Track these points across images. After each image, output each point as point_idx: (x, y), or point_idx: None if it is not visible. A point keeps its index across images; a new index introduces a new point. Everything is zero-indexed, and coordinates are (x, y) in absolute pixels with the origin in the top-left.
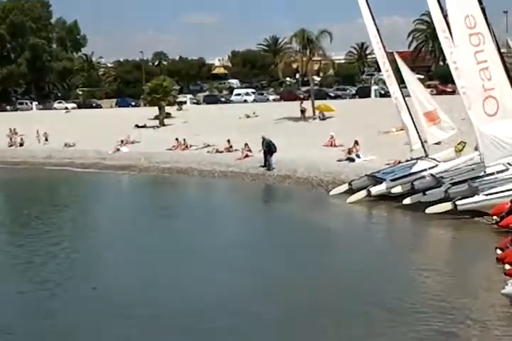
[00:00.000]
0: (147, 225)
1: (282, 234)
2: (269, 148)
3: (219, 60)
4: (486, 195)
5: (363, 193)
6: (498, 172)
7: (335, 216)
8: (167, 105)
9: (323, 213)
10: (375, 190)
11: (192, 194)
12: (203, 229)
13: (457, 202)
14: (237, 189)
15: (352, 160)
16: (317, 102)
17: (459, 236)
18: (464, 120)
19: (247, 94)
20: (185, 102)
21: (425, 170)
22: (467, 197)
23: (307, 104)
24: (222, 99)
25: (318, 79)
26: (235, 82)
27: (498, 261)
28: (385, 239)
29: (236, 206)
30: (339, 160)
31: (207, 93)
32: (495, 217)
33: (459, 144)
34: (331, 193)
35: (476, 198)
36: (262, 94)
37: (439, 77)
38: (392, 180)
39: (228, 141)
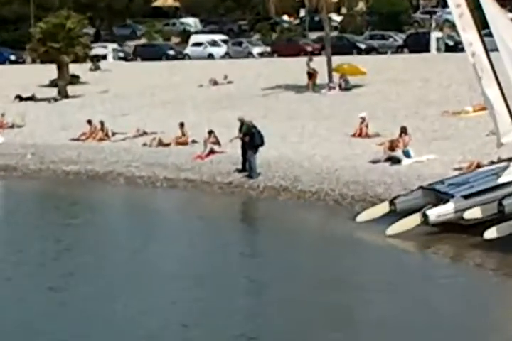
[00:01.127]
0: None
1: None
2: (250, 139)
3: None
4: None
5: (414, 219)
6: None
7: (364, 272)
8: (73, 62)
9: (342, 266)
10: (435, 213)
11: (106, 231)
12: None
13: None
14: (192, 215)
15: (396, 161)
16: (336, 59)
17: None
18: None
19: (214, 43)
20: (104, 57)
21: None
22: None
23: (319, 63)
24: (171, 53)
25: (339, 19)
26: (192, 22)
27: None
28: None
29: (189, 262)
30: (374, 162)
31: (143, 41)
32: None
33: None
34: (359, 219)
35: None
36: (241, 44)
37: None
38: (466, 197)
39: (181, 125)
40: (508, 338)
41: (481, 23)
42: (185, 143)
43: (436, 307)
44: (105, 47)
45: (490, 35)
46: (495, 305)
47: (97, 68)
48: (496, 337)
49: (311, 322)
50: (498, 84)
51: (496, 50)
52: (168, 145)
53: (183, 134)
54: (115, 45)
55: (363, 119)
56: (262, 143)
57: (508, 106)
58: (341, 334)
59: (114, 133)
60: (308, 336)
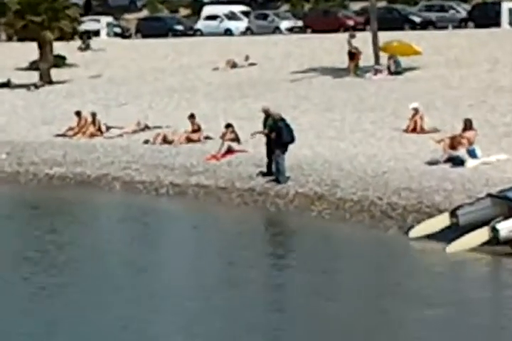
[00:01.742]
0: None
1: None
2: (278, 135)
3: None
4: None
5: (481, 235)
6: None
7: (415, 300)
8: (58, 39)
9: (385, 296)
10: (508, 227)
11: (96, 253)
12: None
13: None
14: (204, 233)
15: (459, 162)
16: (384, 36)
17: None
18: None
19: (233, 16)
20: (96, 33)
21: None
22: None
23: (363, 41)
24: (179, 28)
25: None
26: None
27: None
28: None
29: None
30: (431, 163)
31: (144, 14)
32: None
33: None
34: (413, 234)
35: None
36: (266, 17)
37: None
38: None
39: (191, 117)
40: None
41: None
42: (196, 140)
43: None
44: (98, 21)
45: None
46: None
47: (87, 47)
48: None
49: None
50: None
51: None
52: (171, 142)
53: (195, 129)
54: (110, 19)
55: (416, 111)
56: (291, 140)
57: None
58: None
59: (108, 128)
60: None
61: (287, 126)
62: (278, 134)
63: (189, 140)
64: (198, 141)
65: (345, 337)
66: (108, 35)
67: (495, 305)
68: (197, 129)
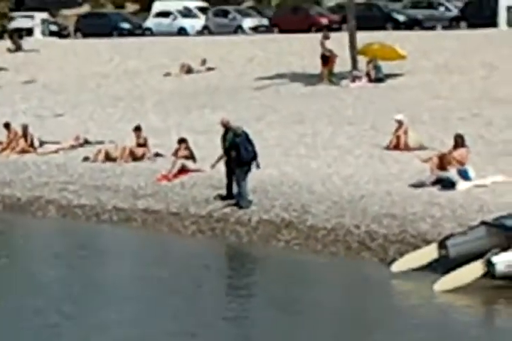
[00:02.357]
0: None
1: None
2: (238, 152)
3: None
4: None
5: (475, 270)
6: None
7: None
8: None
9: None
10: (505, 261)
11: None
12: None
13: None
14: (148, 272)
15: (449, 184)
16: (363, 37)
17: None
18: None
19: (188, 13)
20: (29, 32)
21: None
22: None
23: (339, 43)
24: (125, 26)
25: None
26: None
27: None
28: None
29: None
30: (417, 185)
31: (85, 9)
32: None
33: None
34: (395, 268)
35: None
36: (226, 14)
37: None
38: None
39: (136, 129)
40: None
41: None
42: (140, 157)
43: None
44: (31, 17)
45: None
46: None
47: (18, 48)
48: None
49: None
50: None
51: None
52: (115, 160)
53: (140, 143)
54: (45, 15)
55: (400, 124)
56: (253, 159)
57: None
58: None
59: (42, 143)
60: None
61: (249, 141)
62: (237, 151)
63: (133, 156)
64: (142, 158)
65: None
66: (43, 33)
67: None
68: (143, 144)
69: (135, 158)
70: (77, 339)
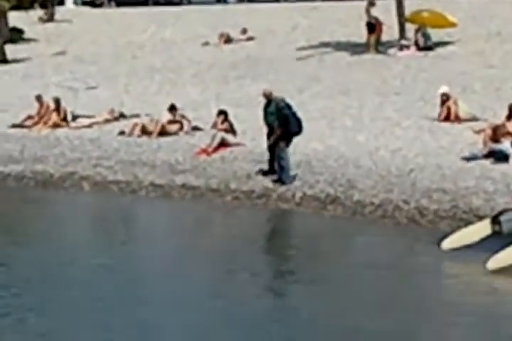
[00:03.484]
0: None
1: None
2: (283, 125)
3: None
4: None
5: None
6: None
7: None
8: (14, 8)
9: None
10: None
11: (59, 276)
12: None
13: None
14: (190, 247)
15: (503, 157)
16: (411, 3)
17: None
18: None
19: None
20: (61, 1)
21: None
22: None
23: (386, 10)
24: None
25: None
26: None
27: None
28: None
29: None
30: (468, 158)
31: None
32: None
33: None
34: (446, 245)
35: None
36: None
37: None
38: None
39: (171, 109)
40: None
41: None
42: (178, 132)
43: None
44: None
45: None
46: None
47: (50, 18)
48: None
49: None
50: None
51: None
52: (152, 134)
53: (178, 119)
54: None
55: (446, 97)
56: (298, 131)
57: None
58: None
59: (75, 117)
60: None
61: (293, 114)
62: (283, 123)
63: (164, 132)
64: (178, 133)
65: None
66: (75, 3)
67: None
68: (177, 121)
69: (166, 133)
70: None
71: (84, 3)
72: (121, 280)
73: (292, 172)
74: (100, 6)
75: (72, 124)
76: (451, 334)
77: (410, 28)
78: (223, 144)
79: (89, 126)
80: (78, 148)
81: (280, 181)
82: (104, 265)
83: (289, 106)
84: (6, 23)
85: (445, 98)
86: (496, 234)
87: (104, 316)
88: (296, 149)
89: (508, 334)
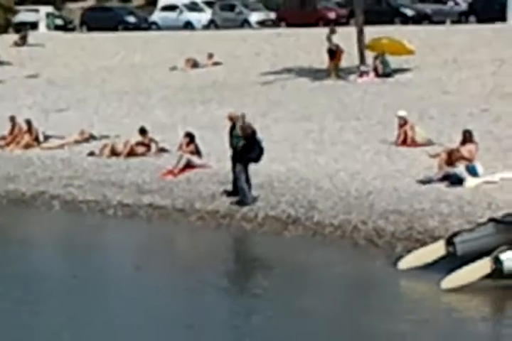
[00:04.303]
0: None
1: None
2: (245, 148)
3: None
4: None
5: (482, 267)
6: None
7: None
8: None
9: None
10: None
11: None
12: None
13: None
14: (155, 267)
15: (457, 180)
16: (371, 32)
17: None
18: None
19: (194, 7)
20: (34, 26)
21: None
22: None
23: (346, 37)
24: (131, 21)
25: None
26: None
27: None
28: None
29: None
30: (424, 181)
31: (91, 3)
32: None
33: None
34: (402, 265)
35: None
36: (233, 7)
37: None
38: None
39: (141, 132)
40: None
41: None
42: (146, 153)
43: None
44: (36, 11)
45: None
46: None
47: (23, 42)
48: None
49: None
50: None
51: None
52: (119, 155)
53: (146, 142)
54: (50, 9)
55: (404, 120)
56: (259, 156)
57: None
58: None
59: (46, 137)
60: None
61: (254, 137)
62: (245, 147)
63: (132, 153)
64: (146, 154)
65: None
66: (48, 27)
67: None
68: (146, 144)
69: (134, 154)
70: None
71: (56, 28)
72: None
73: (255, 193)
74: (72, 30)
75: (44, 145)
76: None
77: (370, 55)
78: (189, 166)
79: (61, 146)
80: (49, 167)
81: (242, 203)
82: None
83: (250, 131)
84: None
85: (402, 122)
86: (450, 255)
87: None
88: (259, 171)
89: None
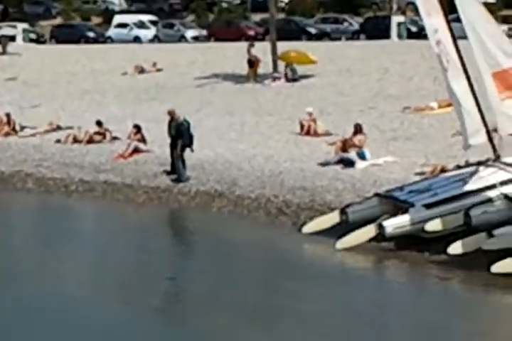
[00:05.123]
0: None
1: None
2: (179, 136)
3: None
4: None
5: (368, 231)
6: None
7: (308, 289)
8: None
9: (276, 289)
10: (393, 224)
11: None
12: None
13: None
14: (107, 226)
15: (349, 163)
16: (282, 46)
17: None
18: None
19: (142, 25)
20: (13, 38)
21: (493, 186)
22: None
23: (262, 50)
24: (90, 35)
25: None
26: (116, 0)
27: None
28: None
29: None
30: (324, 164)
31: (58, 21)
32: None
33: None
34: (305, 230)
35: None
36: (172, 26)
37: None
38: (428, 206)
39: (98, 124)
40: None
41: (448, 7)
42: (102, 141)
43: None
44: (14, 27)
45: (458, 20)
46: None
47: (4, 51)
48: None
49: None
50: (467, 77)
51: (465, 37)
52: (82, 142)
53: (103, 131)
54: (26, 25)
55: (310, 115)
56: (190, 142)
57: (477, 102)
58: None
59: (22, 128)
60: None
61: (188, 128)
62: (179, 135)
63: (96, 140)
64: (102, 141)
65: None
66: (24, 40)
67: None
68: (102, 133)
69: (92, 142)
70: None
71: (30, 41)
72: None
73: (189, 173)
74: (43, 43)
75: (20, 134)
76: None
77: (281, 64)
78: (136, 151)
79: (33, 135)
80: (24, 151)
81: (179, 180)
82: None
83: (186, 123)
84: None
85: (308, 116)
86: (343, 222)
87: None
88: (193, 155)
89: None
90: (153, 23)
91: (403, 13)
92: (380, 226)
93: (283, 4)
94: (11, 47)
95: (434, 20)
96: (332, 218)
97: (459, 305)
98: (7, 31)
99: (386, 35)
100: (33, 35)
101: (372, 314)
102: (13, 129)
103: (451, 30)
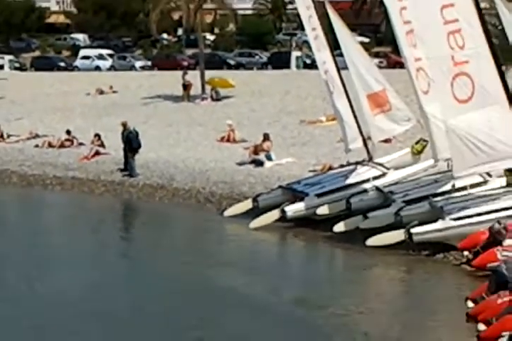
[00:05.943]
0: None
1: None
2: (129, 143)
3: (57, 3)
4: (455, 219)
5: (274, 215)
6: (472, 186)
7: (225, 255)
8: None
9: (204, 253)
10: (292, 209)
11: None
12: None
13: (413, 230)
14: (72, 209)
15: (259, 163)
16: (209, 73)
17: (413, 283)
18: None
19: (101, 57)
20: (1, 67)
21: (368, 180)
22: (427, 223)
23: (194, 77)
24: (62, 65)
25: (212, 38)
26: (81, 37)
27: (469, 319)
28: (308, 294)
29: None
30: (240, 164)
31: (37, 54)
32: (466, 253)
33: (417, 143)
34: (226, 214)
35: (439, 224)
36: (125, 58)
37: (392, 42)
38: (319, 196)
39: (67, 133)
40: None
41: (333, 45)
42: (70, 146)
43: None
44: (2, 58)
45: (341, 55)
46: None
47: None
48: None
49: None
50: (347, 98)
51: (346, 68)
52: (55, 147)
53: (71, 138)
54: (11, 57)
55: (230, 126)
56: (138, 147)
57: (355, 117)
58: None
59: (9, 136)
60: None
61: (135, 136)
62: (130, 142)
63: (62, 146)
64: (70, 146)
65: None
66: (10, 68)
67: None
68: (70, 140)
69: (63, 147)
70: None
71: (15, 69)
72: None
73: (138, 170)
74: (25, 70)
75: (7, 140)
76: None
77: (208, 88)
78: (97, 153)
79: (17, 141)
80: (10, 154)
81: (130, 175)
82: None
83: (131, 132)
84: None
85: (229, 127)
86: (255, 208)
87: None
88: (140, 157)
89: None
90: (110, 55)
91: (300, 49)
92: (283, 211)
93: (209, 42)
94: None
95: (322, 54)
96: (246, 205)
97: (339, 263)
98: None
99: (287, 66)
100: (17, 64)
101: (270, 265)
102: (1, 137)
103: (335, 62)
